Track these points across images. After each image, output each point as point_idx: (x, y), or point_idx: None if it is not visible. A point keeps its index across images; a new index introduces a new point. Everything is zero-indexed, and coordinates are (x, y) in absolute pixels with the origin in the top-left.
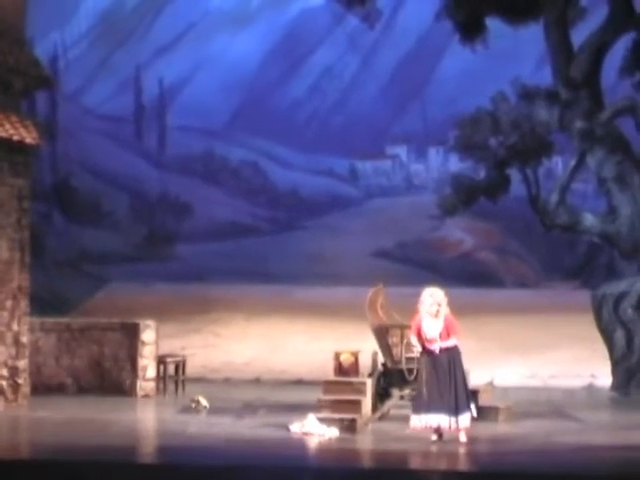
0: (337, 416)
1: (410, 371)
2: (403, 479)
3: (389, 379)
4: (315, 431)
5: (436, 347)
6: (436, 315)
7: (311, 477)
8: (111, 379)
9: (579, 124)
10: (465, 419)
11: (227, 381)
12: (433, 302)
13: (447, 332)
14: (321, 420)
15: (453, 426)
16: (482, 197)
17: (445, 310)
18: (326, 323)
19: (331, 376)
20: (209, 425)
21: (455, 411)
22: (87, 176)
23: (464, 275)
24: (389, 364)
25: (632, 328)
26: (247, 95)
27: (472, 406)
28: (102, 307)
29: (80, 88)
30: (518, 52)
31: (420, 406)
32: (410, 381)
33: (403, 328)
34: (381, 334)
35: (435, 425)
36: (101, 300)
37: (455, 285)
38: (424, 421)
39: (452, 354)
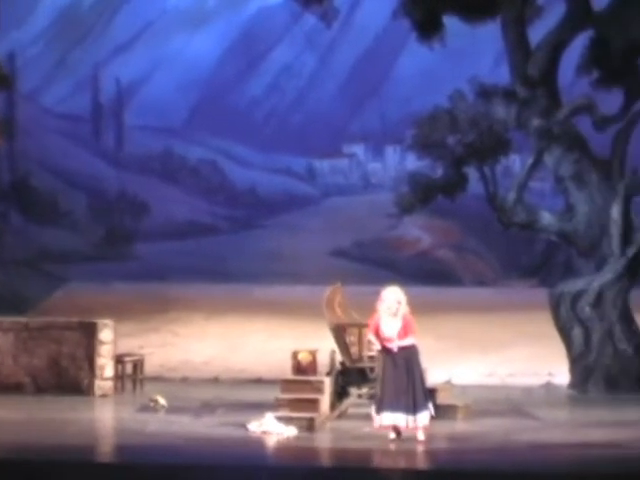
0: (295, 415)
1: (369, 370)
2: (362, 477)
3: (347, 378)
4: (273, 430)
5: (394, 346)
6: (395, 314)
7: (269, 476)
8: (69, 378)
9: (536, 122)
10: (423, 417)
11: (185, 380)
12: (394, 300)
13: (405, 331)
14: (279, 419)
15: (411, 424)
16: (440, 195)
17: (404, 309)
18: (285, 322)
19: (289, 375)
20: (167, 424)
21: (413, 409)
22: (46, 175)
23: (422, 273)
24: (347, 363)
25: (590, 326)
26: (205, 94)
27: (430, 405)
28: (61, 306)
29: (38, 87)
30: (475, 50)
31: (379, 404)
32: (368, 380)
33: (361, 327)
34: (339, 333)
35: (394, 424)
36: (60, 299)
37: (413, 283)
38: (384, 420)
39: (410, 353)
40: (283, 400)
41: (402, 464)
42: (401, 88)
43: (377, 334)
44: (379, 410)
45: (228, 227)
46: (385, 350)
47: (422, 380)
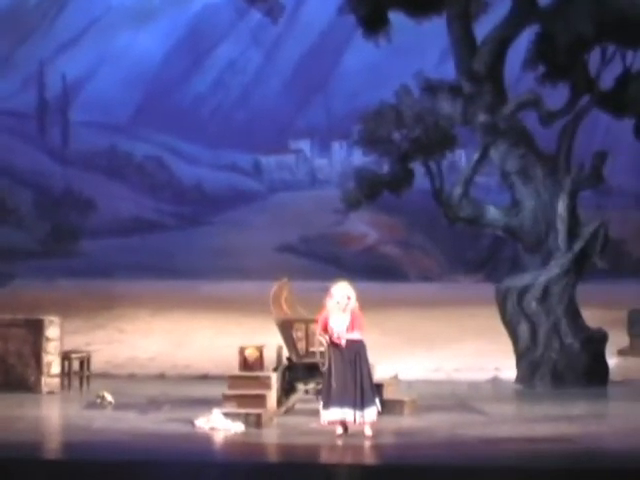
0: (242, 411)
1: (316, 365)
2: (309, 473)
3: (294, 373)
4: (220, 426)
5: (343, 341)
6: (345, 309)
7: (217, 472)
8: (16, 375)
9: (482, 117)
10: (371, 413)
11: (132, 377)
12: (343, 296)
13: (352, 326)
14: (226, 415)
15: (359, 420)
16: (386, 191)
17: (353, 304)
18: (231, 318)
19: (236, 371)
20: (114, 420)
21: (361, 405)
22: None
23: (368, 269)
24: (294, 358)
25: (536, 321)
26: (151, 90)
27: (377, 400)
28: (7, 303)
29: None
30: (421, 46)
31: (327, 400)
32: (315, 375)
33: (308, 322)
34: (286, 328)
35: (341, 419)
36: (6, 296)
37: (359, 279)
38: (331, 415)
39: (358, 348)
40: (230, 396)
41: (349, 459)
42: (347, 84)
43: (325, 329)
44: (327, 405)
45: (174, 223)
46: (333, 345)
47: (369, 376)
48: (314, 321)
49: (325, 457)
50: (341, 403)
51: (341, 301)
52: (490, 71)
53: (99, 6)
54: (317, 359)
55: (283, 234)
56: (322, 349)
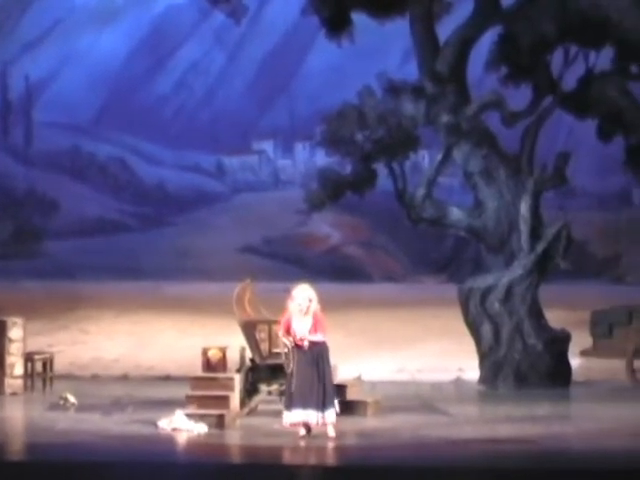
0: (205, 412)
1: (279, 366)
2: (272, 474)
3: (257, 374)
4: (183, 427)
5: (305, 343)
6: (306, 312)
7: (180, 473)
8: None
9: (445, 118)
10: (331, 414)
11: (95, 378)
12: (304, 298)
13: (315, 328)
14: (189, 416)
15: (320, 421)
16: (349, 192)
17: (315, 307)
18: (195, 319)
19: (199, 372)
20: (78, 422)
21: (322, 406)
22: None
23: (331, 270)
24: (257, 359)
25: (499, 322)
26: (114, 91)
27: (336, 401)
28: None
29: None
30: (384, 46)
31: (290, 401)
32: (278, 376)
33: (271, 323)
34: (249, 330)
35: (305, 420)
36: None
37: (323, 280)
38: (294, 416)
39: (320, 350)
40: (193, 397)
41: (312, 460)
42: (310, 85)
43: (288, 331)
44: (290, 407)
45: (137, 224)
46: (296, 347)
47: (331, 377)
48: (277, 322)
49: (288, 458)
50: (304, 405)
51: (302, 303)
52: (453, 72)
53: (62, 7)
54: (280, 360)
55: (246, 235)
56: (285, 350)
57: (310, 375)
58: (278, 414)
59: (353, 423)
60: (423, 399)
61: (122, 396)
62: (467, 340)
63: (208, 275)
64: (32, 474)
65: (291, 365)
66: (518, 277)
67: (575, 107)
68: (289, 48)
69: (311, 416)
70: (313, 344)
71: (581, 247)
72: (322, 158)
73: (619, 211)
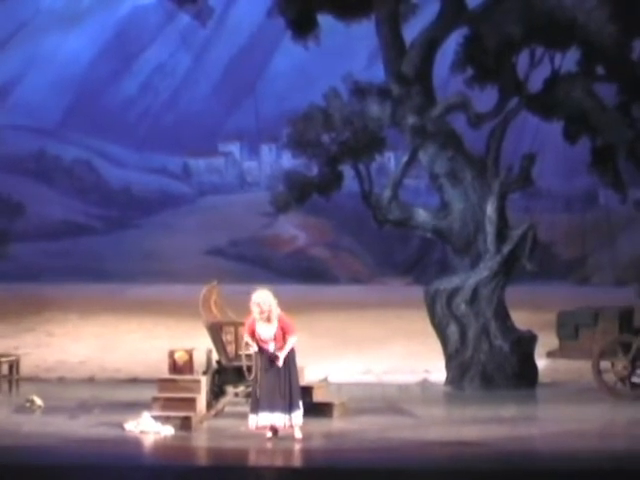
0: (172, 414)
1: (246, 368)
2: (239, 476)
3: (224, 376)
4: (150, 429)
5: (271, 347)
6: (268, 318)
7: (146, 475)
8: None
9: (411, 120)
10: (298, 416)
11: (61, 380)
12: (261, 311)
13: (283, 333)
14: (156, 418)
15: (287, 423)
16: (315, 193)
17: (276, 312)
18: (161, 321)
19: (166, 374)
20: (43, 424)
21: (289, 409)
22: None
23: (298, 271)
24: (223, 361)
25: (465, 323)
26: (79, 94)
27: (301, 403)
28: None
29: None
30: (350, 48)
31: (256, 404)
32: (245, 378)
33: (237, 325)
34: (215, 332)
35: (271, 423)
36: None
37: (289, 281)
38: (261, 419)
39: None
40: (160, 399)
41: (279, 462)
42: (276, 86)
43: (253, 334)
44: (256, 410)
45: (103, 227)
46: (261, 350)
47: (297, 379)
48: (243, 324)
49: (255, 460)
50: (271, 408)
51: (262, 311)
52: (419, 73)
53: (27, 9)
54: (244, 363)
55: (212, 237)
56: (249, 352)
57: (276, 378)
58: (245, 416)
59: (320, 425)
60: (389, 401)
61: (88, 398)
62: (433, 341)
63: (174, 277)
64: None
65: (256, 368)
66: (484, 278)
67: (541, 108)
68: (255, 50)
69: (278, 419)
70: (279, 347)
71: (547, 248)
72: (288, 160)
73: (585, 212)
